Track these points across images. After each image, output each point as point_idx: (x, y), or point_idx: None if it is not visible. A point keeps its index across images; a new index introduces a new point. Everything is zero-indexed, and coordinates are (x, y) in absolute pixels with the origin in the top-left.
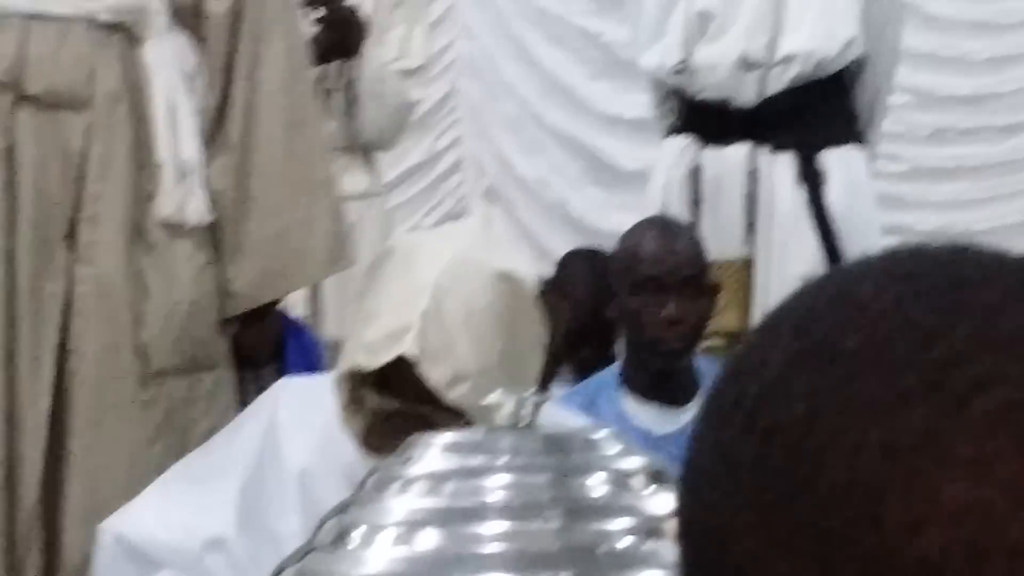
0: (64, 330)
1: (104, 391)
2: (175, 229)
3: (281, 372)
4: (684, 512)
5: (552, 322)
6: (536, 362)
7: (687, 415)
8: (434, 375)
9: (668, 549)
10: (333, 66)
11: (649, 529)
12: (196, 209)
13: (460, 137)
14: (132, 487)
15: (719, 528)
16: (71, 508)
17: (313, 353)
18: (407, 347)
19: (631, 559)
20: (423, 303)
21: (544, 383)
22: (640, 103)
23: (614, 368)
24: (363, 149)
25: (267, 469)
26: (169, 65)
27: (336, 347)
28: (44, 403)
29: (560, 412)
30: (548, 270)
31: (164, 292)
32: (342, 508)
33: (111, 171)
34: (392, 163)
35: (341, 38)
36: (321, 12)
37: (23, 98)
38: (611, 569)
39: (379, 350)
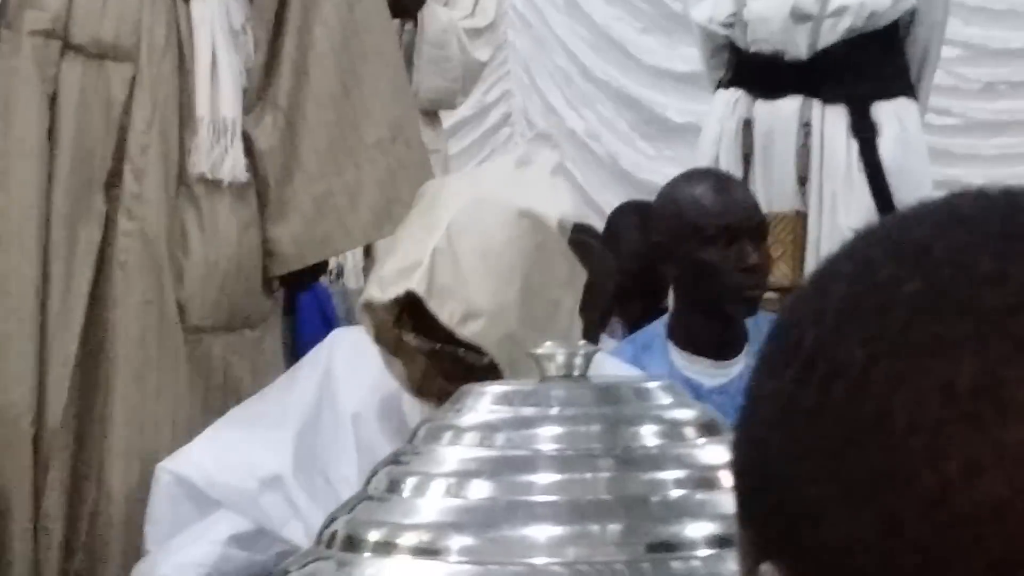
0: (100, 280)
1: (146, 344)
2: (218, 186)
3: (294, 325)
4: (740, 460)
5: (601, 273)
6: (565, 301)
7: (736, 368)
8: (444, 312)
9: (720, 500)
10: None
11: (701, 480)
12: (232, 167)
13: (510, 90)
14: (175, 439)
15: (777, 475)
16: (114, 458)
17: (327, 306)
18: (414, 283)
19: (683, 509)
20: (435, 240)
21: (594, 334)
22: (691, 57)
23: (662, 322)
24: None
25: (323, 415)
26: (215, 21)
27: None
28: (72, 348)
29: (613, 363)
30: (598, 223)
31: (205, 249)
32: (394, 458)
33: (157, 124)
34: (442, 116)
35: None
36: None
37: (69, 47)
38: (663, 519)
39: (389, 285)
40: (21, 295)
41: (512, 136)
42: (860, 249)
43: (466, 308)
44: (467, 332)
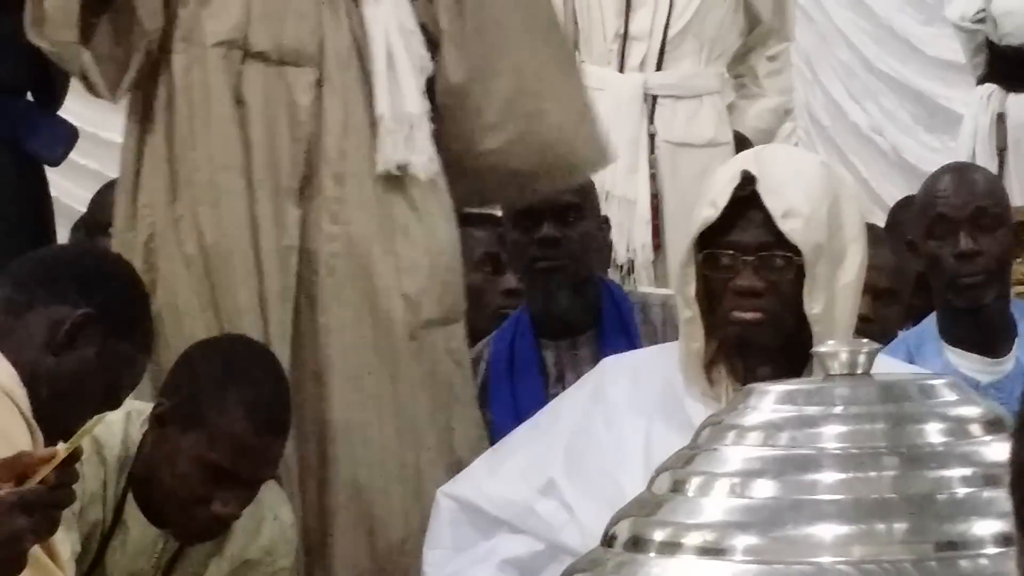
0: (305, 286)
1: (361, 347)
2: (420, 179)
3: (600, 340)
4: (1018, 464)
5: (900, 271)
6: (851, 257)
7: (1009, 364)
8: (770, 201)
9: (1007, 498)
10: None
11: (988, 477)
12: (420, 163)
13: (792, 84)
14: (401, 441)
15: None
16: (335, 465)
17: (630, 321)
18: (748, 164)
19: (969, 508)
20: (751, 156)
21: (894, 329)
22: None
23: (932, 320)
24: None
25: (597, 425)
26: (389, 21)
27: (646, 306)
28: (286, 356)
29: (888, 363)
30: (881, 218)
31: (427, 241)
32: (678, 459)
33: (352, 128)
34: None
35: None
36: None
37: (249, 55)
38: (948, 518)
39: (720, 194)
40: (249, 309)
41: (795, 131)
42: None
43: (788, 206)
44: (788, 227)
